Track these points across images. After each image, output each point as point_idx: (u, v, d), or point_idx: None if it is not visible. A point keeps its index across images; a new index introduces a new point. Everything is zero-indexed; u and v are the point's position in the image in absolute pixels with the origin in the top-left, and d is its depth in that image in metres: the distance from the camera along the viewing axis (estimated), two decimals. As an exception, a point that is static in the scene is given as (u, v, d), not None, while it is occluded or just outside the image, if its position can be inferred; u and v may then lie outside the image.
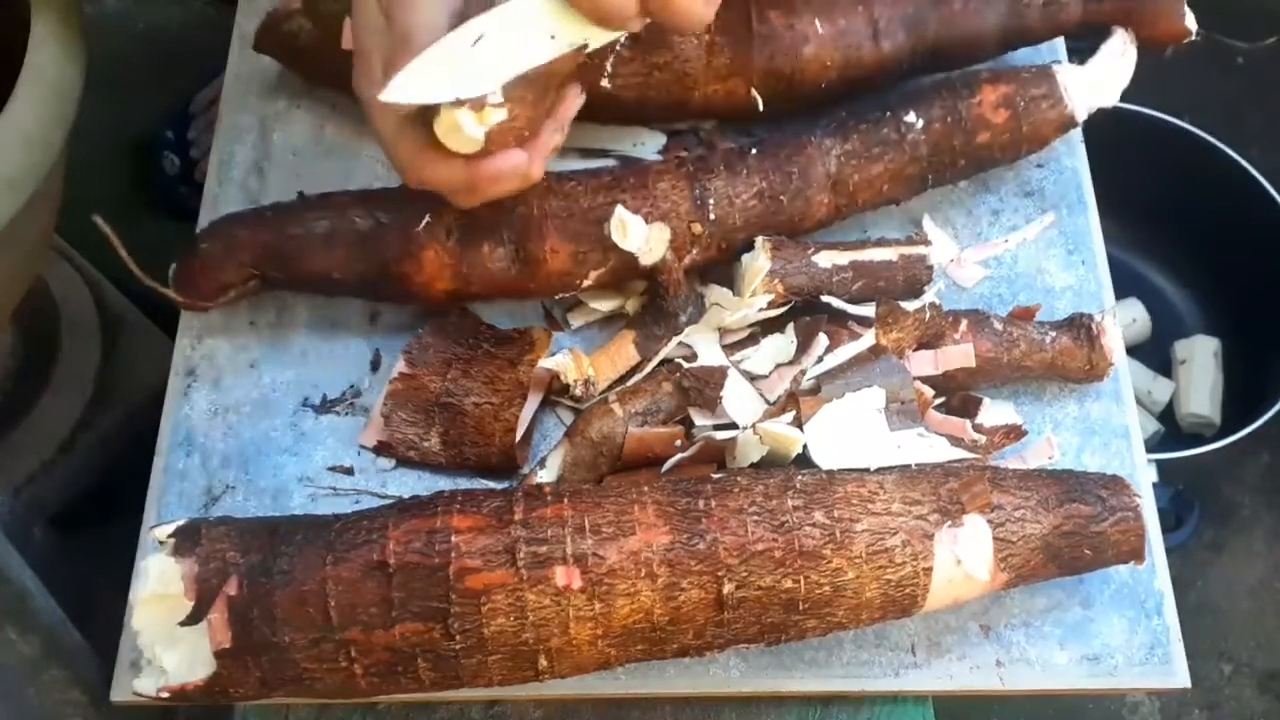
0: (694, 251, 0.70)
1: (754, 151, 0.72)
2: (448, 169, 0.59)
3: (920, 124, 0.73)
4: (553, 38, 0.57)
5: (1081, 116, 0.75)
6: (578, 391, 0.68)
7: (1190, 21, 0.74)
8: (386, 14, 0.57)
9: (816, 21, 0.74)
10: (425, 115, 0.57)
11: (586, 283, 0.70)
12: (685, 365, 0.69)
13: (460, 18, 0.56)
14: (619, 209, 0.68)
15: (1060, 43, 0.83)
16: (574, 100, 0.63)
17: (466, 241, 0.68)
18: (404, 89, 0.55)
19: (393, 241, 0.68)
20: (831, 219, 0.74)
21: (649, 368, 0.70)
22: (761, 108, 0.75)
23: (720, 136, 0.79)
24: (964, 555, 0.59)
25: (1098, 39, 0.77)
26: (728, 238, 0.71)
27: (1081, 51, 0.77)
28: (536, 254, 0.69)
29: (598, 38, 0.58)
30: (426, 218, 0.67)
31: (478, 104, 0.56)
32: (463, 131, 0.56)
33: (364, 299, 0.74)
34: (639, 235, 0.68)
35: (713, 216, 0.70)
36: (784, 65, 0.74)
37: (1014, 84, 0.74)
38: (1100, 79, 0.75)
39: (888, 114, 0.73)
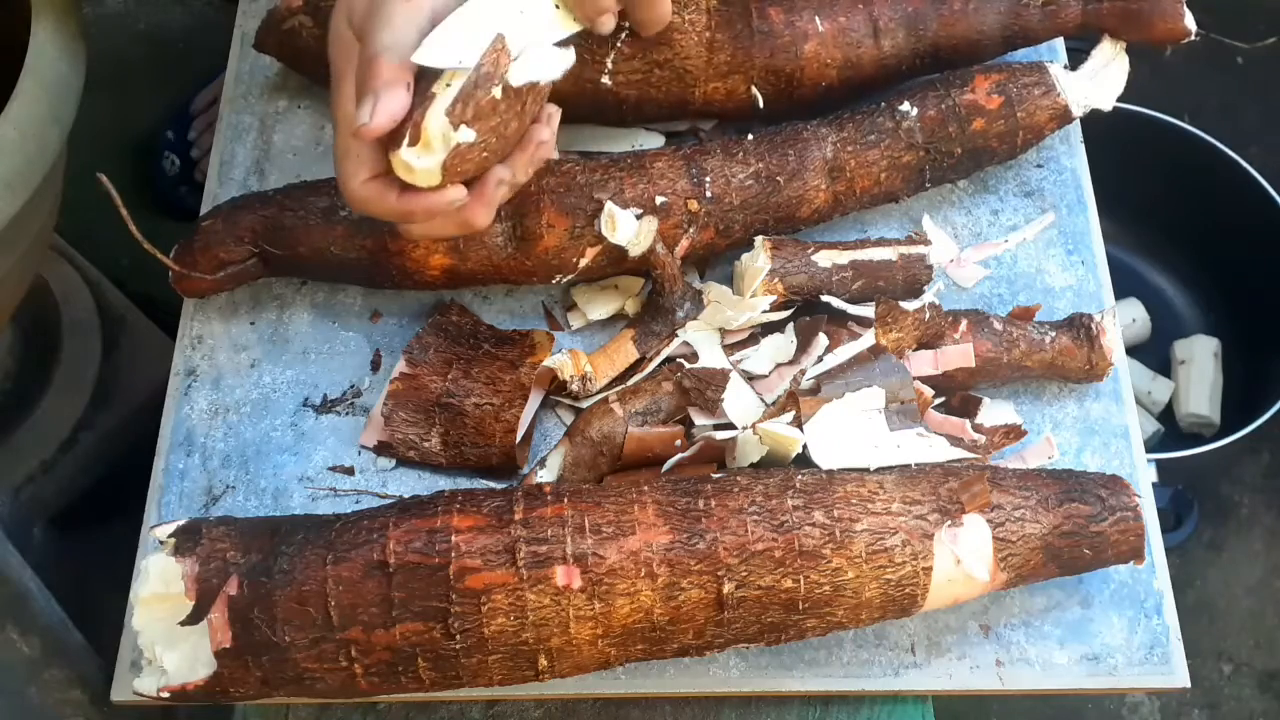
0: (691, 231, 0.70)
1: (750, 137, 0.73)
2: (382, 199, 0.58)
3: (915, 111, 0.73)
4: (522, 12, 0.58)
5: (1076, 111, 0.75)
6: (574, 388, 0.69)
7: (1189, 22, 0.75)
8: (358, 34, 0.57)
9: (817, 19, 0.75)
10: (379, 143, 0.57)
11: (583, 262, 0.70)
12: (686, 365, 0.69)
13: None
14: (608, 204, 0.69)
15: (1060, 44, 0.83)
16: (539, 148, 0.61)
17: None
18: (425, 53, 0.55)
19: None
20: (831, 210, 0.74)
21: (650, 368, 0.70)
22: (761, 104, 0.76)
23: (720, 136, 0.79)
24: (964, 555, 0.59)
25: (1096, 43, 0.77)
26: (725, 218, 0.71)
27: (1081, 54, 0.77)
28: (533, 229, 0.69)
29: (565, 28, 0.60)
30: None
31: (415, 136, 0.55)
32: (414, 170, 0.56)
33: (362, 284, 0.74)
34: (628, 229, 0.69)
35: (709, 194, 0.70)
36: (784, 63, 0.75)
37: (1006, 73, 0.75)
38: (1092, 80, 0.76)
39: (883, 104, 0.74)
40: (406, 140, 0.55)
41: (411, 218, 0.59)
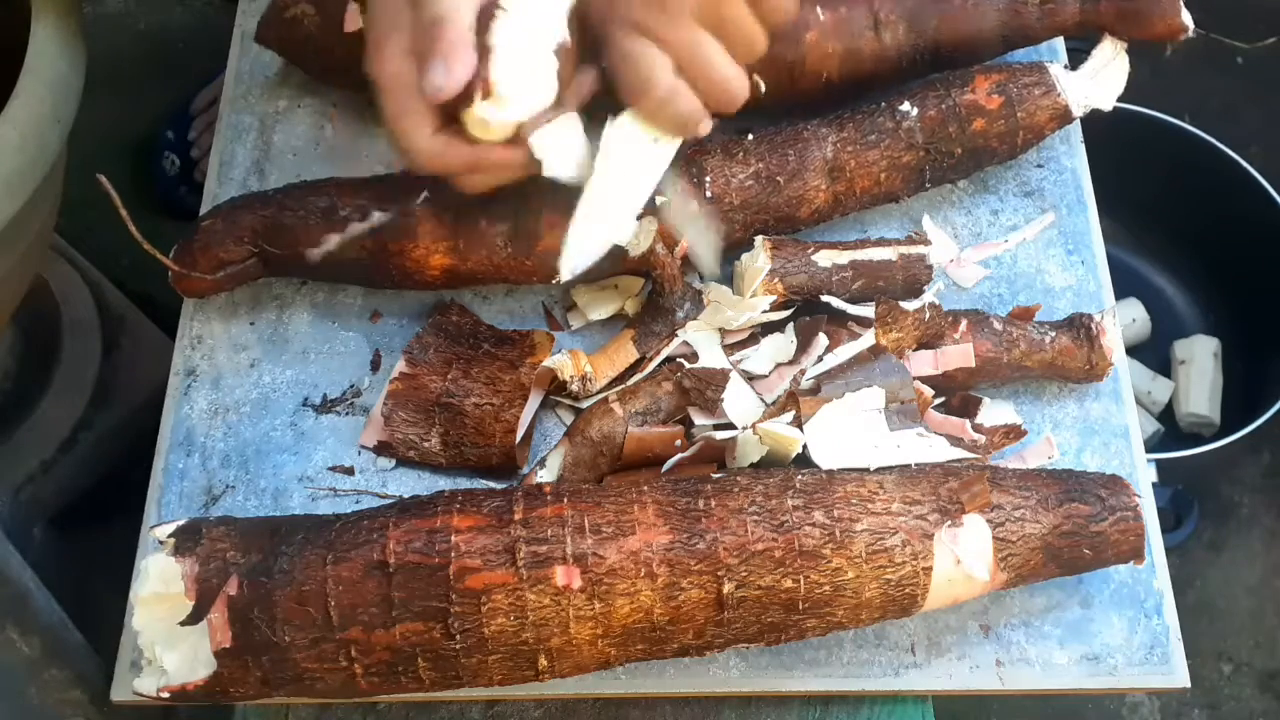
0: None
1: (750, 137, 0.73)
2: (454, 151, 0.59)
3: (915, 111, 0.73)
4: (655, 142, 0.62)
5: (1077, 111, 0.75)
6: (574, 388, 0.69)
7: (1186, 18, 0.75)
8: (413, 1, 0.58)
9: (818, 9, 0.75)
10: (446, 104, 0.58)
11: None
12: (686, 365, 0.69)
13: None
14: None
15: (1060, 44, 0.83)
16: (587, 86, 0.63)
17: (464, 216, 0.69)
18: (573, 261, 0.61)
19: (391, 216, 0.68)
20: (831, 210, 0.74)
21: (650, 367, 0.70)
22: (764, 89, 0.76)
23: (720, 135, 0.79)
24: (964, 555, 0.59)
25: (1096, 43, 0.77)
26: (725, 218, 0.71)
27: (1081, 54, 0.77)
28: (533, 229, 0.69)
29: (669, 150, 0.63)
30: (425, 193, 0.68)
31: (486, 91, 0.57)
32: (489, 126, 0.58)
33: (362, 284, 0.74)
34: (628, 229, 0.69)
35: (709, 194, 0.70)
36: (785, 51, 0.75)
37: (1006, 73, 0.75)
38: (1092, 80, 0.76)
39: (883, 104, 0.74)
40: (479, 95, 0.56)
41: (484, 167, 0.60)
